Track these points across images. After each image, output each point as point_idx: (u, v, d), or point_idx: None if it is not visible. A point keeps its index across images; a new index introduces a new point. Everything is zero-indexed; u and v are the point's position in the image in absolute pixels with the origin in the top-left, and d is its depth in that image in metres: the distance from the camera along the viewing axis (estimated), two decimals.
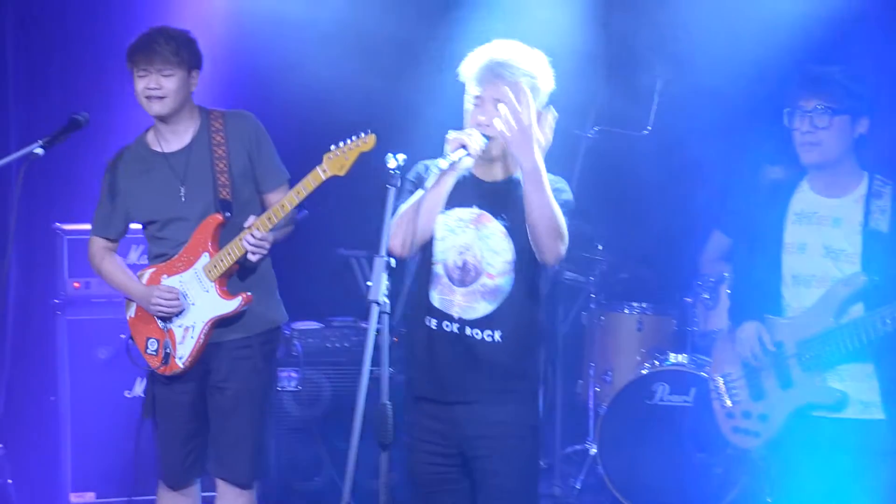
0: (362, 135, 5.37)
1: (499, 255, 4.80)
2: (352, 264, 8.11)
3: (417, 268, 4.95)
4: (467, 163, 4.68)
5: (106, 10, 8.00)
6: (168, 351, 5.74)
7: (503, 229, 4.80)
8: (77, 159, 7.31)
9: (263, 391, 5.84)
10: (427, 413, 4.90)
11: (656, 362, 7.67)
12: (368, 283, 4.35)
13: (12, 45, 7.90)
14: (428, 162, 4.92)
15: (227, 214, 5.69)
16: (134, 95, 5.73)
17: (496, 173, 4.87)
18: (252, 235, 5.55)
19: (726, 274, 7.48)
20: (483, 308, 4.82)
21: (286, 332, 7.62)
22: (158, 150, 5.80)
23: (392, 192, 4.49)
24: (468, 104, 4.81)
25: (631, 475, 7.58)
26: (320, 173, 5.45)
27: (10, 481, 7.04)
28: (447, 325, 4.84)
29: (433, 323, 4.86)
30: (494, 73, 4.72)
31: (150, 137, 5.85)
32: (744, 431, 5.35)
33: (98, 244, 5.94)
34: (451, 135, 4.67)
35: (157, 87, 5.63)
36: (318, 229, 7.40)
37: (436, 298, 4.86)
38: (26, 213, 7.37)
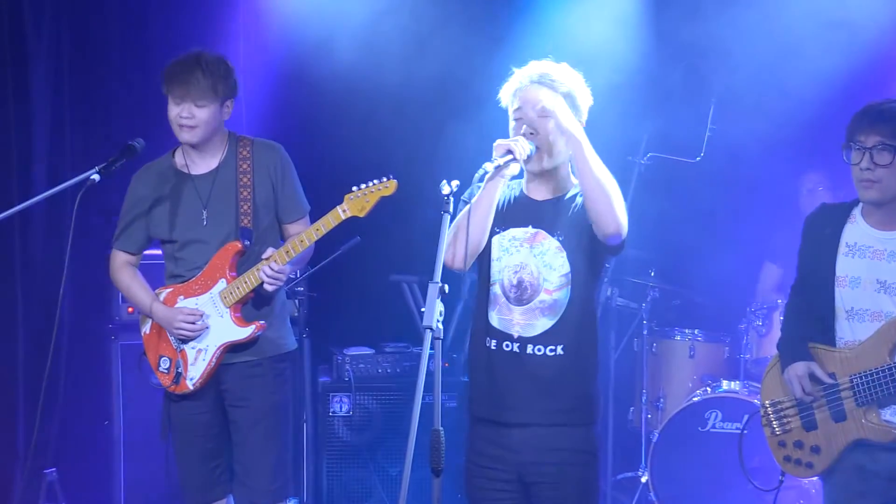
0: (384, 179, 5.46)
1: (554, 270, 4.87)
2: (404, 290, 8.13)
3: (475, 290, 5.01)
4: (514, 169, 4.82)
5: (163, 37, 8.05)
6: (179, 371, 5.79)
7: (557, 244, 4.87)
8: None
9: (279, 413, 5.87)
10: (486, 437, 4.93)
11: (708, 389, 7.63)
12: (422, 310, 4.38)
13: (69, 71, 7.95)
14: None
15: (247, 243, 5.75)
16: None
17: (548, 192, 4.99)
18: (269, 267, 5.62)
19: (779, 301, 7.44)
20: (543, 324, 4.87)
21: (339, 357, 7.65)
22: (185, 171, 5.86)
23: (446, 218, 4.52)
24: (511, 122, 4.95)
25: (683, 502, 7.53)
26: (340, 213, 5.54)
27: None
28: (507, 345, 4.88)
29: (493, 343, 4.90)
30: (532, 85, 4.90)
31: (178, 157, 5.91)
32: (796, 461, 5.28)
33: (119, 258, 5.99)
34: (499, 141, 4.79)
35: (189, 116, 5.69)
36: (370, 255, 7.42)
37: (494, 319, 4.91)
38: (82, 239, 7.41)
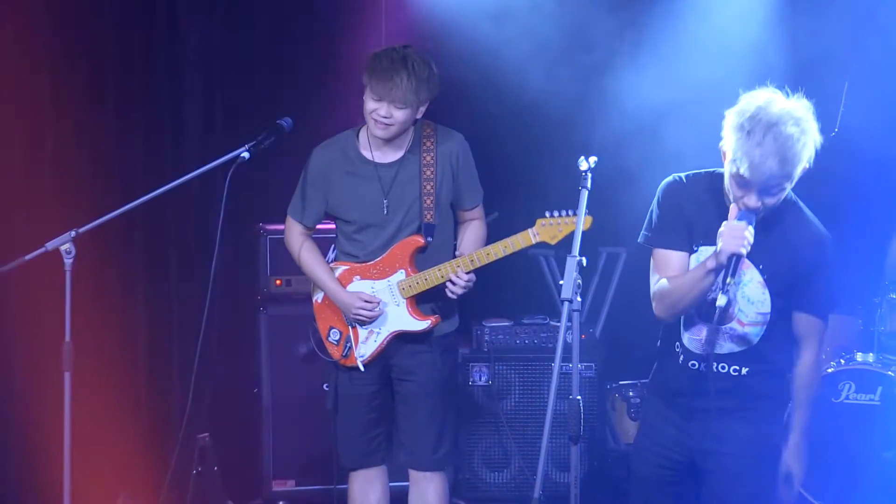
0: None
1: (752, 305, 4.72)
2: (541, 263, 8.23)
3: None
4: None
5: (313, 17, 8.23)
6: (349, 346, 5.93)
7: (762, 279, 4.69)
8: (278, 163, 7.47)
9: (445, 383, 6.01)
10: (666, 417, 4.91)
11: (842, 361, 7.61)
12: (560, 283, 4.47)
13: (219, 52, 8.18)
14: (673, 179, 4.84)
15: (429, 239, 5.83)
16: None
17: None
18: (458, 276, 5.75)
19: None
20: (729, 347, 4.77)
21: (477, 330, 7.81)
22: (369, 156, 5.89)
23: (584, 193, 4.62)
24: (730, 178, 4.60)
25: (817, 473, 7.49)
26: (531, 237, 5.65)
27: (216, 468, 7.27)
28: (693, 364, 4.79)
29: (680, 356, 4.83)
30: (775, 180, 4.56)
31: (363, 141, 5.93)
32: None
33: (296, 228, 6.06)
34: (726, 241, 4.50)
35: (387, 115, 5.68)
36: (507, 229, 7.55)
37: (685, 336, 4.82)
38: (232, 214, 7.59)
